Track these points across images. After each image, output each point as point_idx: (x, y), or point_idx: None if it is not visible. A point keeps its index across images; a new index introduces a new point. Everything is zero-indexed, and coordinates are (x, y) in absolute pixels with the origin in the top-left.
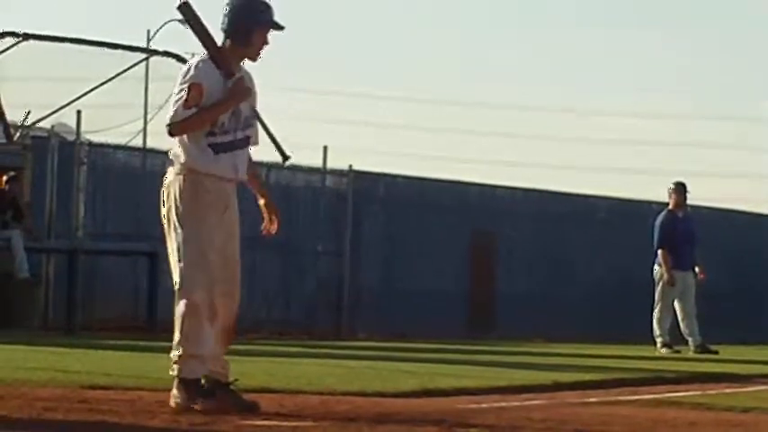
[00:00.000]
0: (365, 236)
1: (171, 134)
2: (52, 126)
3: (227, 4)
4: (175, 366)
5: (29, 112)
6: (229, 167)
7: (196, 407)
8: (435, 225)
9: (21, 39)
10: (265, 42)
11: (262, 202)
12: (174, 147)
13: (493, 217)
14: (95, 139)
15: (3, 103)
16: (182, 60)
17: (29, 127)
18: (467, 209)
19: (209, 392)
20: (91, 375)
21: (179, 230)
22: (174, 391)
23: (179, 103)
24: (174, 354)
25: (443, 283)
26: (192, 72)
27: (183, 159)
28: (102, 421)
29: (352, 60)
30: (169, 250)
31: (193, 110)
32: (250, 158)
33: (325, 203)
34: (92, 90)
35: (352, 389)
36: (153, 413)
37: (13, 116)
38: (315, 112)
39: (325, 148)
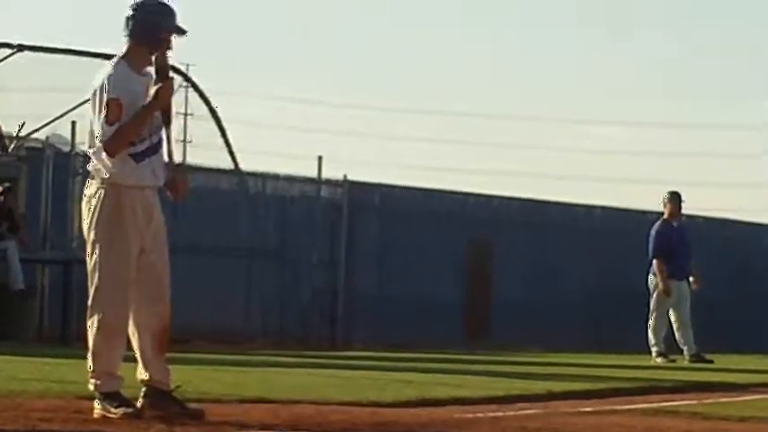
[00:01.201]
0: (360, 246)
1: (110, 155)
2: (47, 137)
3: (132, 8)
4: (92, 381)
5: (23, 124)
6: (149, 174)
7: (113, 415)
8: (431, 235)
9: (15, 50)
10: (169, 47)
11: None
12: (93, 160)
13: (489, 226)
14: (90, 150)
15: None
16: (176, 71)
17: (23, 138)
18: (463, 218)
19: (128, 402)
20: (86, 386)
21: (96, 247)
22: (96, 403)
23: (103, 122)
24: (89, 369)
25: (439, 292)
26: (107, 87)
27: (104, 174)
28: (98, 431)
29: (347, 70)
30: (88, 265)
31: (116, 125)
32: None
33: (321, 213)
34: (87, 101)
35: (347, 398)
36: (148, 423)
37: (8, 127)
38: (309, 121)
39: (320, 158)
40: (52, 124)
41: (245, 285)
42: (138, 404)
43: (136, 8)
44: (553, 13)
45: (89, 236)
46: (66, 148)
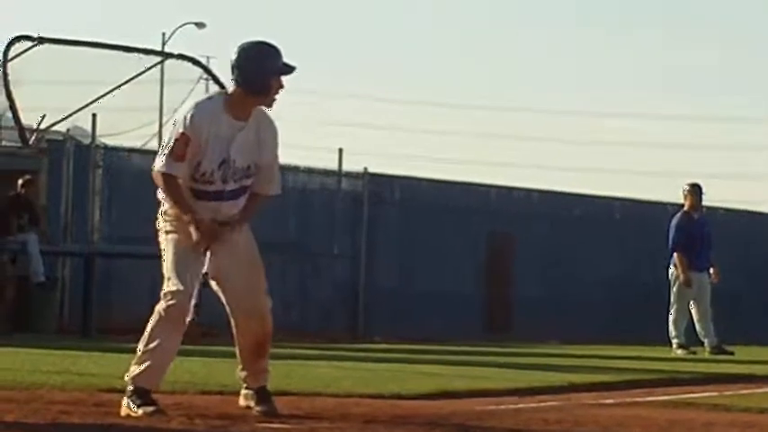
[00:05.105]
0: (381, 238)
1: (155, 182)
2: (67, 129)
3: (236, 55)
4: (131, 369)
5: (44, 116)
6: (208, 212)
7: (134, 414)
8: (451, 227)
9: (36, 43)
10: (280, 87)
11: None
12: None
13: (509, 219)
14: (111, 142)
15: (18, 106)
16: (197, 63)
17: (44, 131)
18: (483, 211)
19: (151, 401)
20: (107, 378)
21: (162, 241)
22: (124, 400)
23: (166, 152)
24: (138, 351)
25: (460, 285)
26: (185, 121)
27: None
28: (118, 424)
29: (366, 63)
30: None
31: (179, 164)
32: (252, 204)
33: (341, 206)
34: (107, 93)
35: (368, 391)
36: (169, 416)
37: (29, 120)
38: (330, 114)
39: (341, 151)
40: (73, 117)
41: (266, 278)
42: (240, 400)
43: (238, 55)
44: (567, 9)
45: (158, 234)
46: (87, 141)
